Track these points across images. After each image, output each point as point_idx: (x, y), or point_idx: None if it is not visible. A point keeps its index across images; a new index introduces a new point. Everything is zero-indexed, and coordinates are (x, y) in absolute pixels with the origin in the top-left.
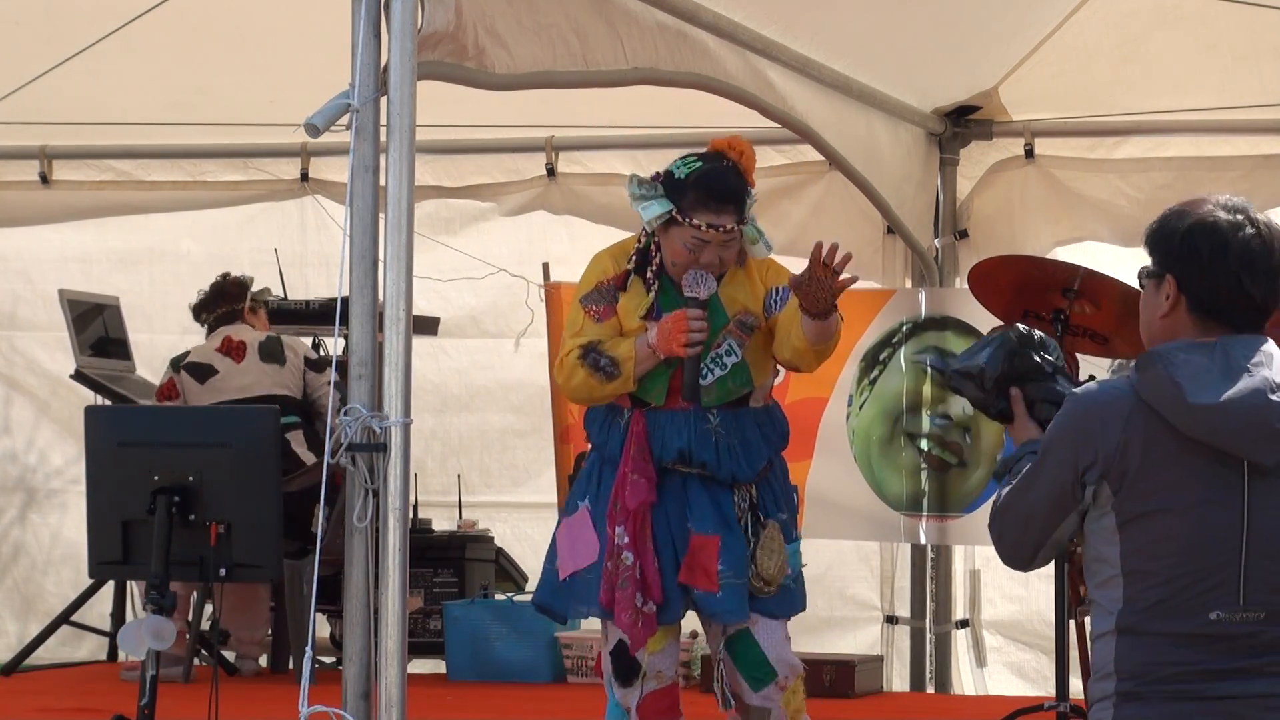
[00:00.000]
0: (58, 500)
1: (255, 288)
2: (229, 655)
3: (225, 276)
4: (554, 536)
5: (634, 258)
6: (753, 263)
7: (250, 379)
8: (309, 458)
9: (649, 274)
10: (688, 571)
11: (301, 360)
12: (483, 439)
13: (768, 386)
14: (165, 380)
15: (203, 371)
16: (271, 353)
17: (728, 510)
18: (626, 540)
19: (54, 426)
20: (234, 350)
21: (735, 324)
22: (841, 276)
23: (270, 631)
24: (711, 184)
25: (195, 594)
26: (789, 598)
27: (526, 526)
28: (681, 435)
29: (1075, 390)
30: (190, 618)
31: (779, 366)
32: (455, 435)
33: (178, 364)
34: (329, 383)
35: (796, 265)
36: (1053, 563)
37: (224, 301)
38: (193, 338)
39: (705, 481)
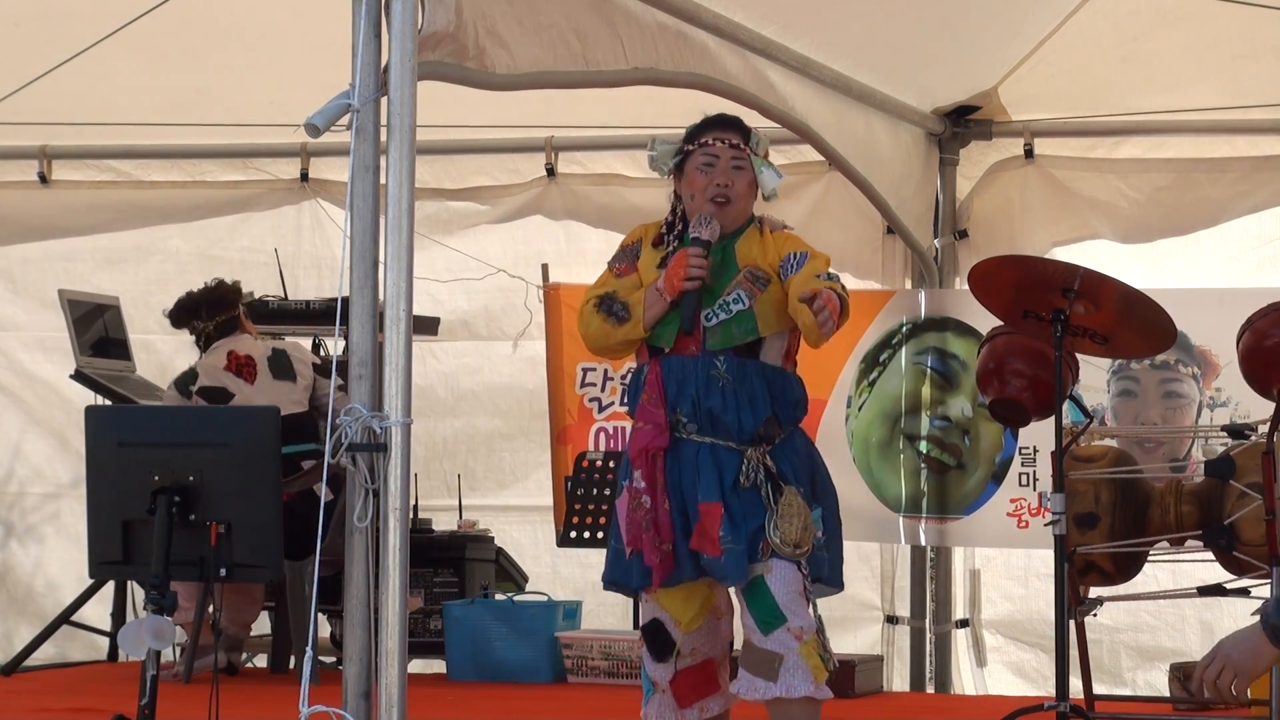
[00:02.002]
0: (35, 535)
1: (247, 289)
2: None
3: (220, 282)
4: (613, 517)
5: (664, 224)
6: (770, 234)
7: (268, 400)
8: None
9: (672, 236)
10: (697, 538)
11: (310, 370)
12: (469, 443)
13: (781, 346)
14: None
15: (219, 396)
16: (282, 367)
17: (729, 476)
18: (643, 485)
19: (37, 428)
20: (244, 368)
21: (745, 275)
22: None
23: (271, 626)
24: (713, 116)
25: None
26: (819, 559)
27: (513, 530)
28: (691, 380)
29: None
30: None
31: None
32: (440, 439)
33: (186, 386)
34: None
35: None
36: (1053, 563)
37: (224, 308)
38: (182, 340)
39: (715, 449)
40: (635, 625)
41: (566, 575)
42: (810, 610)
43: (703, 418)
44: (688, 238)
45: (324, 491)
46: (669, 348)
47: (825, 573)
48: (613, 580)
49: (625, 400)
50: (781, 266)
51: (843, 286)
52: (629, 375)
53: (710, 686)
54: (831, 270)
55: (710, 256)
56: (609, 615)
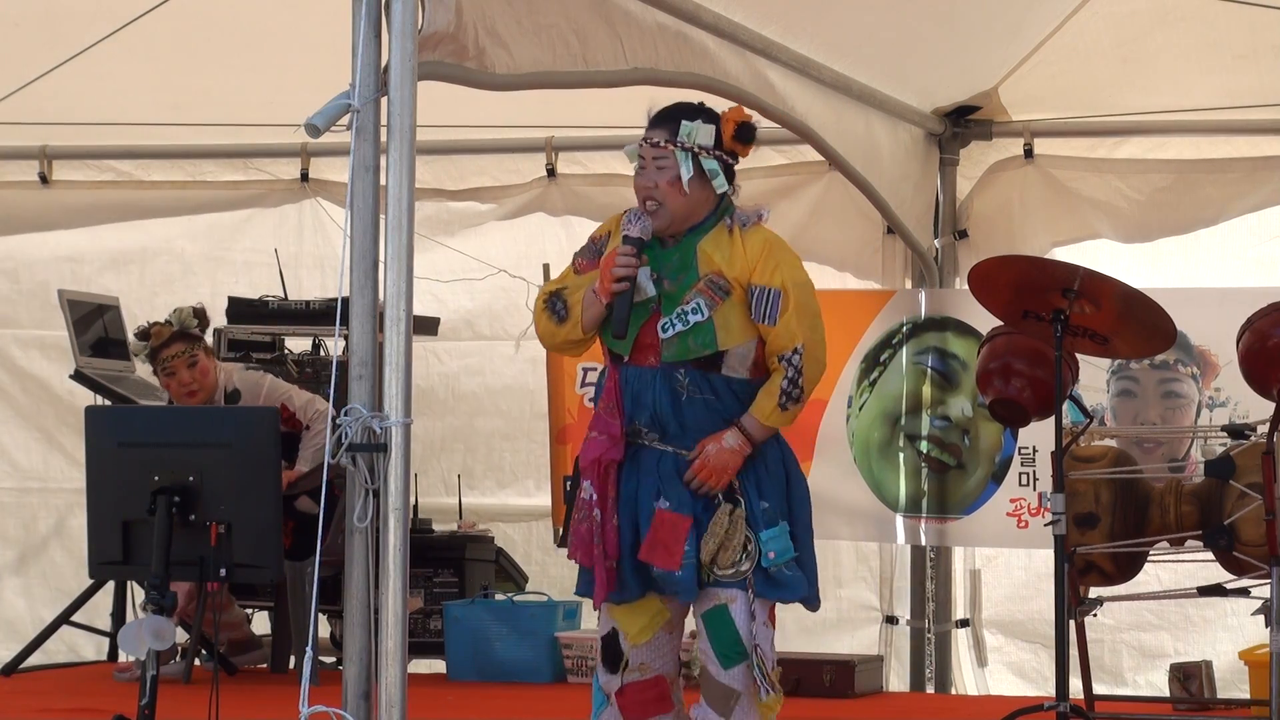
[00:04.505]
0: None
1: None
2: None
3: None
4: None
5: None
6: (745, 234)
7: None
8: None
9: None
10: (648, 548)
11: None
12: (468, 443)
13: (747, 356)
14: None
15: None
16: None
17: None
18: (594, 497)
19: (30, 428)
20: None
21: (705, 283)
22: None
23: (271, 626)
24: (656, 112)
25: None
26: (781, 580)
27: (511, 530)
28: (649, 392)
29: None
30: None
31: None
32: (439, 439)
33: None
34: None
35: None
36: (1053, 563)
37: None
38: None
39: (679, 459)
40: None
41: (555, 575)
42: (751, 634)
43: (663, 430)
44: (654, 247)
45: (323, 497)
46: (627, 356)
47: (805, 592)
48: (585, 593)
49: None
50: (752, 299)
51: (801, 358)
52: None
53: (662, 705)
54: (798, 345)
55: (644, 255)
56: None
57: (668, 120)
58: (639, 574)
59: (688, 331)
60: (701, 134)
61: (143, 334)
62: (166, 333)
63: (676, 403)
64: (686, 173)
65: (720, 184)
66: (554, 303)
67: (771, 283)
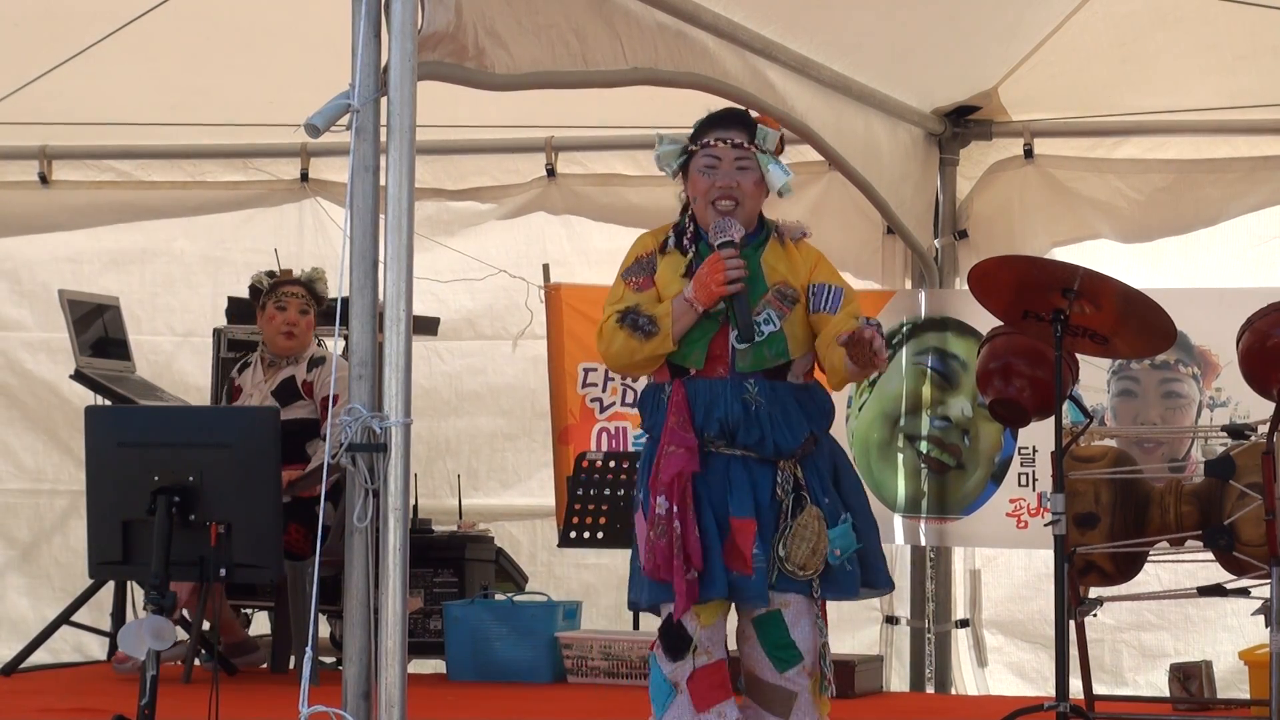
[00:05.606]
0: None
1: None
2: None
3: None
4: (635, 533)
5: (671, 231)
6: (793, 245)
7: None
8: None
9: (685, 241)
10: (729, 555)
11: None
12: (471, 443)
13: (807, 363)
14: None
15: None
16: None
17: (764, 492)
18: (675, 510)
19: (36, 430)
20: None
21: (774, 294)
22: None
23: (271, 626)
24: (717, 113)
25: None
26: (842, 579)
27: (514, 530)
28: (720, 404)
29: None
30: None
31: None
32: (442, 439)
33: None
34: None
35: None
36: (1053, 563)
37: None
38: (187, 340)
39: (748, 462)
40: (635, 626)
41: (560, 575)
42: (818, 634)
43: (732, 437)
44: (703, 246)
45: (323, 498)
46: (697, 369)
47: (872, 577)
48: (636, 601)
49: (643, 420)
50: (812, 296)
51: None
52: (634, 380)
53: (726, 691)
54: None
55: (744, 257)
56: (605, 616)
57: (739, 123)
58: (725, 574)
59: (762, 342)
60: (771, 140)
61: (270, 272)
62: (293, 276)
63: (747, 412)
64: (782, 177)
65: (787, 190)
66: (634, 319)
67: (832, 281)
